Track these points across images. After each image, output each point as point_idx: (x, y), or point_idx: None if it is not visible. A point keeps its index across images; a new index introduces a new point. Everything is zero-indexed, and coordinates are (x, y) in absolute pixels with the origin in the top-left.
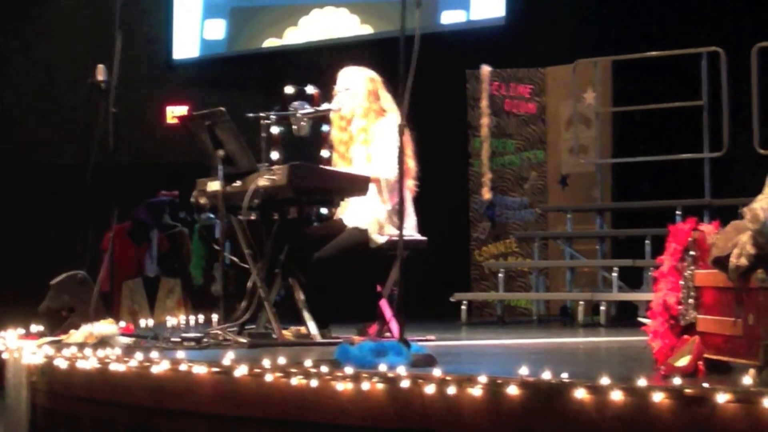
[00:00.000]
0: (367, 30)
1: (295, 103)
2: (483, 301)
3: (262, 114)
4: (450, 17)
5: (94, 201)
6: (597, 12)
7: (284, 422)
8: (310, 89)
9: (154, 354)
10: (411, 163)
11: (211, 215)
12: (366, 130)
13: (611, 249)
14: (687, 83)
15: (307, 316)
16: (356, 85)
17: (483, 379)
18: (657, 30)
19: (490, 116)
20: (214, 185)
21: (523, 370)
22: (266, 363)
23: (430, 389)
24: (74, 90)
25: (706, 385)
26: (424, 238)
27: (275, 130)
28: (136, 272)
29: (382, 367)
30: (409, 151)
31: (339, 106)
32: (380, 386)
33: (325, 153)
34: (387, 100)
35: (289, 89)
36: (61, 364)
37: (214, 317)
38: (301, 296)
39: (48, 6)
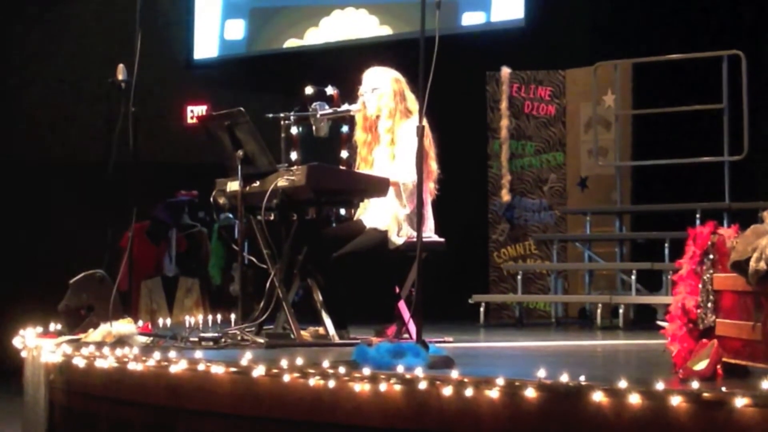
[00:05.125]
0: (386, 31)
1: (315, 104)
2: (501, 303)
3: (281, 114)
4: (470, 19)
5: (114, 200)
6: (617, 14)
7: (301, 423)
8: (330, 90)
9: (172, 353)
10: (434, 166)
11: (230, 215)
12: (393, 131)
13: (630, 252)
14: (707, 86)
15: (325, 316)
16: (383, 86)
17: (501, 381)
18: (678, 33)
19: (510, 118)
20: (233, 185)
21: (541, 373)
22: (284, 363)
23: (447, 391)
24: (95, 89)
25: (724, 389)
26: (442, 239)
27: (295, 130)
28: (154, 272)
29: (400, 369)
30: (432, 153)
31: (360, 107)
32: (398, 387)
33: (344, 154)
34: (412, 101)
35: (308, 90)
36: (80, 362)
37: (233, 317)
38: (319, 297)
39: (70, 5)
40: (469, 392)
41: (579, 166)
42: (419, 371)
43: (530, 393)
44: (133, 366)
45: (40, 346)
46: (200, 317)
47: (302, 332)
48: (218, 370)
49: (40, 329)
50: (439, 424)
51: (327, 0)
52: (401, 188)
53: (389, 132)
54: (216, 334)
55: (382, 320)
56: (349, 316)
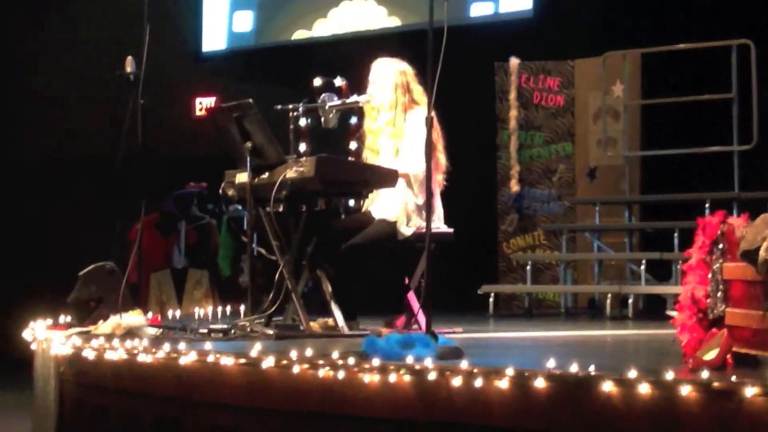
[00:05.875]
0: (394, 22)
1: (324, 95)
2: (510, 294)
3: (290, 106)
4: (478, 10)
5: (123, 192)
6: (625, 4)
7: (311, 414)
8: (339, 81)
9: (182, 345)
10: (442, 159)
11: (239, 207)
12: (393, 123)
13: (639, 242)
14: (716, 75)
15: (334, 307)
16: (386, 77)
17: (510, 371)
18: (687, 22)
19: (519, 109)
20: (242, 177)
21: (551, 363)
22: (293, 355)
23: (457, 381)
24: (103, 82)
25: (734, 378)
26: (451, 230)
27: (303, 122)
28: (164, 264)
29: (409, 359)
30: (440, 145)
31: (368, 98)
32: (407, 378)
33: (353, 145)
34: (418, 92)
35: (317, 81)
36: (89, 354)
37: (242, 309)
38: (328, 288)
39: None
40: (478, 383)
41: (588, 156)
42: (429, 362)
43: (540, 383)
44: (142, 358)
45: (49, 338)
46: (209, 309)
47: (311, 323)
48: (228, 361)
49: (49, 321)
50: (449, 414)
51: None
52: (411, 179)
53: (390, 124)
54: (225, 326)
55: (392, 311)
56: (359, 307)
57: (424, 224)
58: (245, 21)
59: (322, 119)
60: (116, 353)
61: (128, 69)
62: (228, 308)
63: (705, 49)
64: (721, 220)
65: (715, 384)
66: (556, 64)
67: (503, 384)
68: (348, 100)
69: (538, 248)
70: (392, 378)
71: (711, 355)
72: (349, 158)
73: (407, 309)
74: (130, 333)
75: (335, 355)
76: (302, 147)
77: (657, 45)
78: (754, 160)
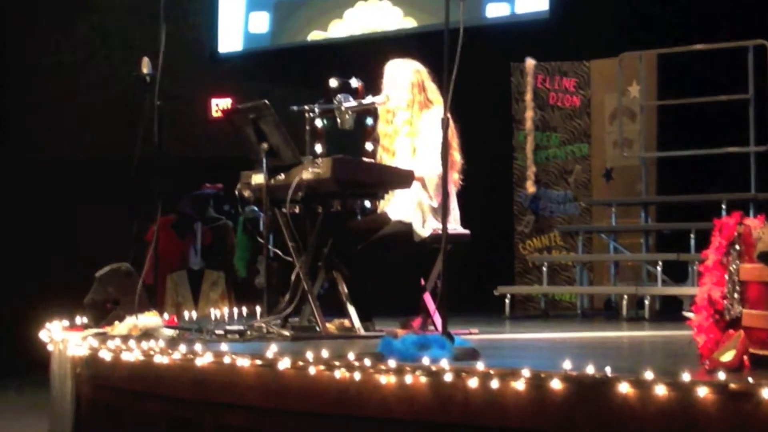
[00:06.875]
0: (410, 23)
1: (340, 96)
2: (527, 295)
3: (306, 107)
4: (494, 10)
5: (139, 193)
6: (641, 5)
7: (327, 415)
8: (355, 82)
9: (198, 346)
10: (457, 156)
11: (255, 208)
12: (411, 122)
13: (656, 243)
14: (733, 76)
15: (350, 309)
16: (402, 77)
17: (526, 372)
18: (703, 23)
19: (535, 109)
20: (258, 178)
21: (567, 364)
22: (309, 356)
23: (473, 383)
24: (119, 83)
25: (750, 379)
26: (467, 231)
27: (319, 123)
28: (180, 265)
29: (426, 361)
30: (455, 144)
31: (384, 99)
32: (423, 380)
33: (369, 146)
34: (433, 91)
35: (333, 82)
36: (106, 356)
37: (258, 310)
38: (344, 289)
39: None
40: (494, 384)
41: (604, 157)
42: (445, 363)
43: (556, 384)
44: (158, 359)
45: (66, 339)
46: (226, 310)
47: (328, 325)
48: (244, 363)
49: (66, 323)
50: (465, 415)
51: None
52: (427, 182)
53: (407, 123)
54: (241, 327)
55: (408, 312)
56: (375, 309)
57: (440, 225)
58: (261, 22)
59: (338, 120)
60: (132, 354)
61: (144, 70)
62: (244, 309)
63: (721, 50)
64: (738, 221)
65: (732, 385)
66: (572, 65)
67: (519, 385)
68: (364, 101)
69: (554, 249)
70: (408, 379)
71: (728, 356)
72: (365, 159)
73: (423, 310)
74: (147, 334)
75: (351, 356)
76: (318, 148)
77: (673, 46)
78: None
